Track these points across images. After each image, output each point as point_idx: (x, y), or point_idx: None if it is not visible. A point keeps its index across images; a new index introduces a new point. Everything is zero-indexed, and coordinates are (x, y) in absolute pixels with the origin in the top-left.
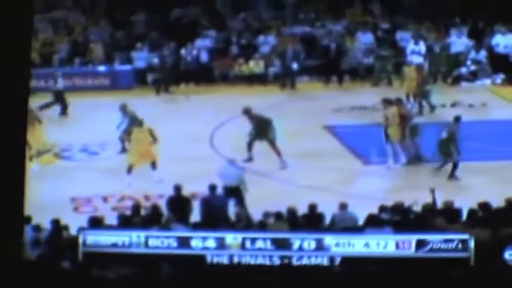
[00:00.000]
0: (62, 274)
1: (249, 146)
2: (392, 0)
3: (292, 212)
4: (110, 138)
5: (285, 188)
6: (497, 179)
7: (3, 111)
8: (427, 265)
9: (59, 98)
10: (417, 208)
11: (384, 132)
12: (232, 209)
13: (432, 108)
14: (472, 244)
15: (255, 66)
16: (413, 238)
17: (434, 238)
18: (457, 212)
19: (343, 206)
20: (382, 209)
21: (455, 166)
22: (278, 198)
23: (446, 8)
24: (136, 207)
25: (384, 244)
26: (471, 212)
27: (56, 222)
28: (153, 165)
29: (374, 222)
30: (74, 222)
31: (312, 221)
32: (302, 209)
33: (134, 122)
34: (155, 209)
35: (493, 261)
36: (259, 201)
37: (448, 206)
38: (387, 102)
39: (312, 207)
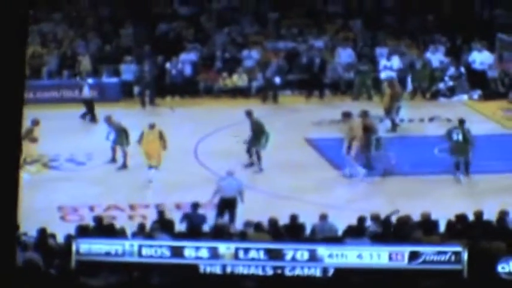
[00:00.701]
0: (49, 281)
1: (249, 152)
2: (373, 17)
3: (273, 222)
4: (96, 149)
5: (266, 199)
6: (473, 192)
7: None
8: (420, 277)
9: (89, 105)
10: (397, 215)
11: (347, 144)
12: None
13: (394, 126)
14: (465, 256)
15: (239, 79)
16: (407, 250)
17: (427, 250)
18: (434, 224)
19: (323, 217)
20: (361, 220)
21: (468, 164)
22: (259, 208)
23: (425, 25)
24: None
25: (377, 256)
26: (449, 224)
27: (42, 231)
28: (154, 167)
29: (353, 233)
30: (61, 231)
31: (293, 231)
32: (283, 220)
33: (121, 132)
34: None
35: (486, 273)
36: (240, 211)
37: (425, 217)
38: (346, 115)
39: (293, 218)
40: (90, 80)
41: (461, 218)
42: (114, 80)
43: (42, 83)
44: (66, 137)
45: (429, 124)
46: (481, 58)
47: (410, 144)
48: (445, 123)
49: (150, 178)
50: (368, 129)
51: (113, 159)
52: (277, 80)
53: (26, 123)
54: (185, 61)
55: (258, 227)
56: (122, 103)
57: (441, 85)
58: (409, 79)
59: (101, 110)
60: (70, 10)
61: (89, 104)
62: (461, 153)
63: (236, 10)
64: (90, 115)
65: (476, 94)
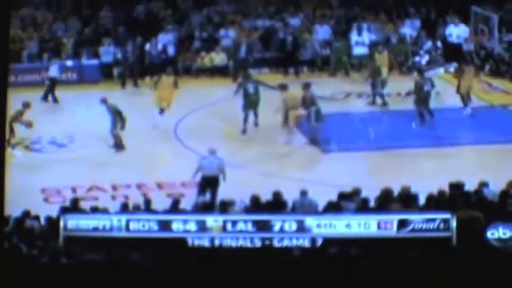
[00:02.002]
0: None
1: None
2: None
3: (255, 199)
4: (77, 131)
5: (247, 176)
6: (453, 164)
7: None
8: (409, 245)
9: (53, 86)
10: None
11: (284, 115)
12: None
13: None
14: (453, 223)
15: (216, 58)
16: (395, 218)
17: (416, 218)
18: (414, 197)
19: (303, 193)
20: (341, 196)
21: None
22: (238, 186)
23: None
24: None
25: (365, 225)
26: (429, 197)
27: (27, 214)
28: (162, 111)
29: (333, 209)
30: (45, 213)
31: (275, 208)
32: (264, 197)
33: (116, 114)
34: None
35: (475, 240)
36: (221, 189)
37: (404, 191)
38: (282, 87)
39: (277, 195)
40: (56, 60)
41: (452, 187)
42: (93, 61)
43: (23, 66)
44: (48, 119)
45: (406, 98)
46: (457, 31)
47: (388, 119)
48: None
49: (157, 123)
50: (307, 101)
51: (116, 145)
52: (248, 58)
53: (11, 106)
54: (163, 41)
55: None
56: (102, 84)
57: (417, 59)
58: None
59: (83, 92)
60: None
61: (53, 84)
62: (425, 104)
63: None
64: (52, 96)
65: (452, 67)
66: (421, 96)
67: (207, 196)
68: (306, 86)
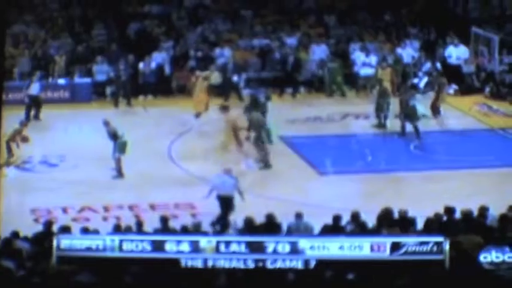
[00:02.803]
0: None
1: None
2: (347, 12)
3: (249, 221)
4: (69, 150)
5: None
6: (451, 188)
7: None
8: (402, 268)
9: (35, 103)
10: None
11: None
12: None
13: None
14: (446, 246)
15: (211, 77)
16: (388, 241)
17: (409, 241)
18: (411, 221)
19: (298, 216)
20: (337, 218)
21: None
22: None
23: (399, 20)
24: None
25: (358, 247)
26: (427, 221)
27: (15, 234)
28: (199, 115)
29: (329, 232)
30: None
31: (269, 230)
32: (259, 219)
33: (114, 138)
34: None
35: (468, 263)
36: (214, 210)
37: (402, 215)
38: (224, 108)
39: (270, 217)
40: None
41: (448, 210)
42: (86, 80)
43: (14, 84)
44: (39, 138)
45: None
46: (457, 53)
47: (386, 141)
48: (420, 119)
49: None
50: (254, 124)
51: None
52: (236, 78)
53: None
54: (157, 60)
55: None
56: (95, 104)
57: (415, 80)
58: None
59: (75, 111)
60: (41, 11)
61: (36, 102)
62: (413, 118)
63: (208, 8)
64: (36, 113)
65: (452, 89)
66: (407, 111)
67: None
68: (224, 109)
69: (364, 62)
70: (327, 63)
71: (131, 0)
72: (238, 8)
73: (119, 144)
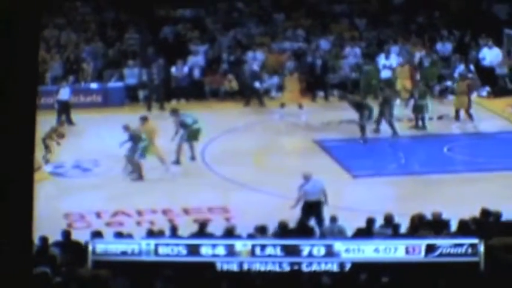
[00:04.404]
0: None
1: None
2: (378, 15)
3: (283, 225)
4: (102, 155)
5: (275, 201)
6: (485, 190)
7: (12, 127)
8: (437, 270)
9: (64, 108)
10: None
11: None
12: None
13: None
14: (481, 248)
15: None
16: (423, 243)
17: (444, 243)
18: (445, 224)
19: (333, 219)
20: (370, 221)
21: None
22: (267, 211)
23: (432, 22)
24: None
25: (393, 249)
26: (462, 223)
27: (44, 240)
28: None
29: (362, 235)
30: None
31: (303, 234)
32: (293, 223)
33: (136, 140)
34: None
35: (503, 265)
36: (248, 214)
37: (436, 217)
38: (143, 119)
39: (302, 221)
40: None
41: (484, 213)
42: (118, 84)
43: (47, 88)
44: (72, 143)
45: (438, 122)
46: (491, 55)
47: (420, 143)
48: (453, 121)
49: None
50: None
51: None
52: (257, 84)
53: (39, 129)
54: (191, 64)
55: (262, 230)
56: (127, 108)
57: (449, 83)
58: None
59: (107, 116)
60: (73, 15)
61: (66, 107)
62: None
63: (241, 11)
64: (67, 118)
65: (485, 91)
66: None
67: (312, 222)
68: (174, 113)
69: (385, 64)
70: (363, 66)
71: (164, 4)
72: (270, 12)
73: (191, 132)
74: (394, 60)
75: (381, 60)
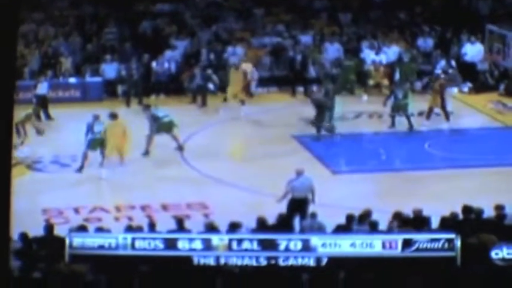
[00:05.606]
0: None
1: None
2: (360, 10)
3: (262, 221)
4: (81, 150)
5: (254, 197)
6: (466, 187)
7: None
8: (413, 265)
9: (42, 102)
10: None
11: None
12: None
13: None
14: (458, 243)
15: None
16: (400, 238)
17: (420, 238)
18: (426, 220)
19: (312, 215)
20: (350, 218)
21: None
22: (246, 207)
23: (413, 18)
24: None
25: (370, 244)
26: (442, 220)
27: (24, 236)
28: (121, 158)
29: (342, 232)
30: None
31: (282, 230)
32: (271, 219)
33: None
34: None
35: (479, 260)
36: (225, 211)
37: (416, 214)
38: (113, 116)
39: (282, 217)
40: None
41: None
42: (97, 79)
43: (24, 83)
44: (50, 138)
45: (419, 118)
46: (473, 50)
47: (401, 140)
48: (435, 117)
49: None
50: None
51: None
52: (210, 85)
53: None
54: (170, 59)
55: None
56: (106, 102)
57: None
58: (396, 73)
59: (86, 111)
60: (51, 9)
61: (44, 102)
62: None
63: (220, 6)
64: (45, 113)
65: (466, 87)
66: (397, 104)
67: (296, 219)
68: (146, 108)
69: (374, 60)
70: (344, 61)
71: None
72: (250, 7)
73: (160, 124)
74: (384, 56)
75: (370, 55)
